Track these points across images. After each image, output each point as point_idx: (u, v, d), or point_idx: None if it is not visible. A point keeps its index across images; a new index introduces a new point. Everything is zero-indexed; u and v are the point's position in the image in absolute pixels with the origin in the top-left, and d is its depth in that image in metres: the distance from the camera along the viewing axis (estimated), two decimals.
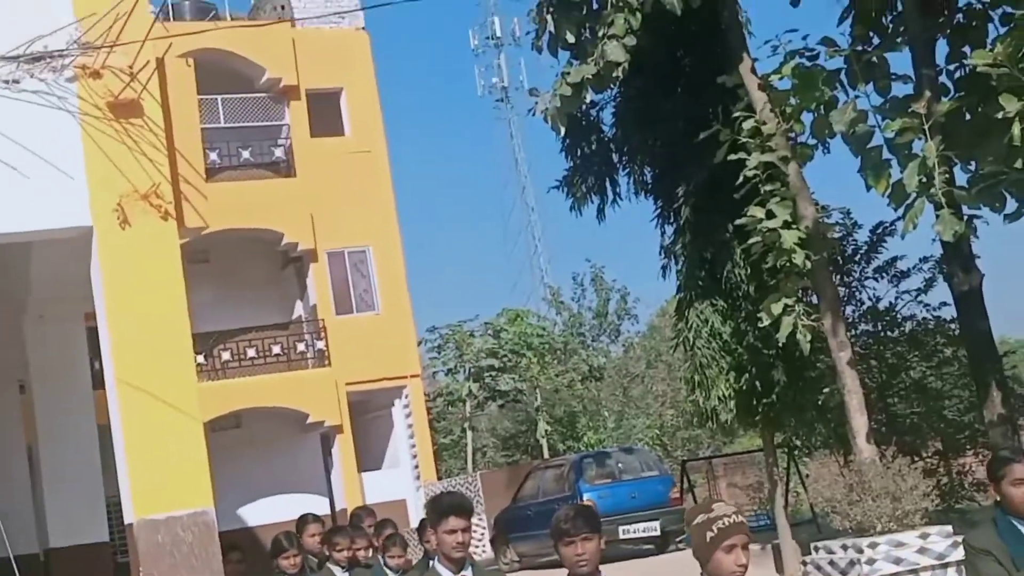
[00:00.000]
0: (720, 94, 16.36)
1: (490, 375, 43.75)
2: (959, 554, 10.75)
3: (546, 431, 42.91)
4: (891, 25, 15.43)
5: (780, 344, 15.60)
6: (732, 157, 15.00)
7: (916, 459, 18.37)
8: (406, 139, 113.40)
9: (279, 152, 31.53)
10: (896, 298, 23.01)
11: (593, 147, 18.93)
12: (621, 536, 22.02)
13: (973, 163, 13.45)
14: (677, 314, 18.96)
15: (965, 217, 13.27)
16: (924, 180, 12.45)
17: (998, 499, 5.51)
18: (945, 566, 10.76)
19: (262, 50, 30.35)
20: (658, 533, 22.34)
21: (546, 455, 40.34)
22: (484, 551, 26.83)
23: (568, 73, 14.95)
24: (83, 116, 10.59)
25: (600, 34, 14.75)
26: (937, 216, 12.49)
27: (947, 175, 12.65)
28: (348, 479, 30.30)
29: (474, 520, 27.25)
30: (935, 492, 19.57)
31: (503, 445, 48.98)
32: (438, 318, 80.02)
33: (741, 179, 14.84)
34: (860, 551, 10.95)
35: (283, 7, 31.88)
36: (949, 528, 11.03)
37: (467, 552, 6.04)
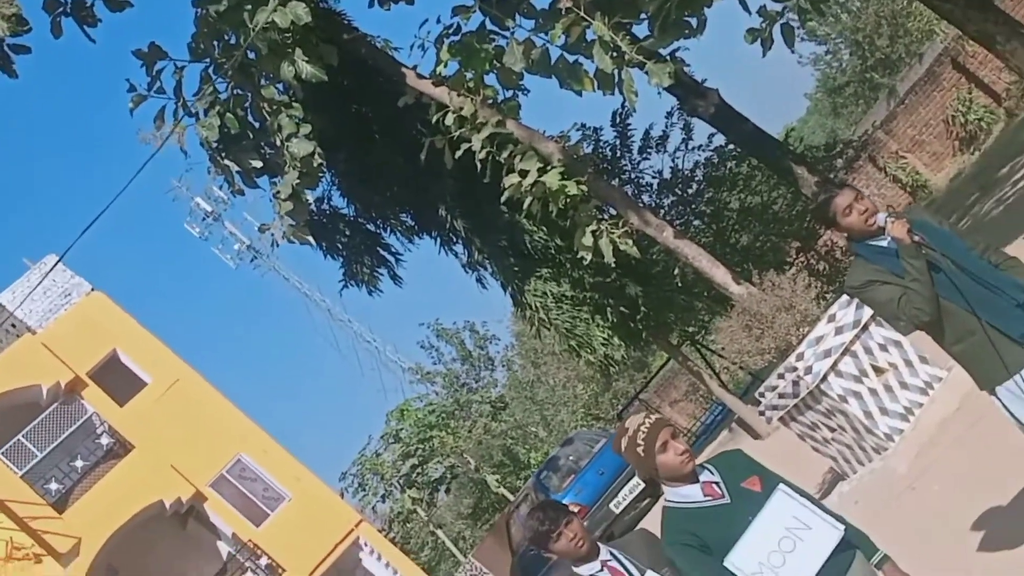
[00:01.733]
0: (412, 114, 16.60)
1: (419, 473, 43.57)
2: (868, 310, 11.15)
3: (497, 480, 42.89)
4: None
5: (614, 265, 15.87)
6: (459, 154, 15.21)
7: (784, 268, 18.97)
8: (205, 342, 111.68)
9: (105, 440, 30.81)
10: (673, 160, 23.59)
11: (347, 233, 19.05)
12: (618, 511, 22.07)
13: (643, 13, 13.85)
14: (517, 307, 19.18)
15: (668, 57, 13.67)
16: (615, 55, 12.80)
17: (847, 236, 5.76)
18: (865, 326, 11.11)
19: (25, 372, 29.68)
20: (643, 484, 22.40)
21: (512, 499, 40.32)
22: None
23: (278, 191, 15.00)
24: None
25: (278, 142, 14.82)
26: (646, 73, 12.85)
27: (628, 37, 13.03)
28: None
29: None
30: (820, 281, 20.25)
31: (474, 520, 48.79)
32: (342, 464, 79.07)
33: (479, 165, 15.06)
34: (794, 369, 11.23)
35: (13, 325, 31.23)
36: (844, 297, 11.36)
37: None
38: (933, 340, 5.79)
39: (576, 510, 5.92)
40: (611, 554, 5.24)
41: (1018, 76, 17.20)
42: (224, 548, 31.59)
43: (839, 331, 11.13)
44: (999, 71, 26.85)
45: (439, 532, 45.26)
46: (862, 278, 5.67)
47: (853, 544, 4.59)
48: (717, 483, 4.64)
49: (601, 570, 5.18)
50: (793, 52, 13.22)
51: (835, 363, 10.95)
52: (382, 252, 19.56)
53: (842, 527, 4.52)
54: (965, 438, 9.77)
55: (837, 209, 5.62)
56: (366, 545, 31.94)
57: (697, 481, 4.63)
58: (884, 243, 5.59)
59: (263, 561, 29.98)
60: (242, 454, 31.15)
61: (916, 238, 5.44)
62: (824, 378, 10.93)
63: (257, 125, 15.55)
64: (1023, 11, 24.73)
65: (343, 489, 41.52)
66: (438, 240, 19.38)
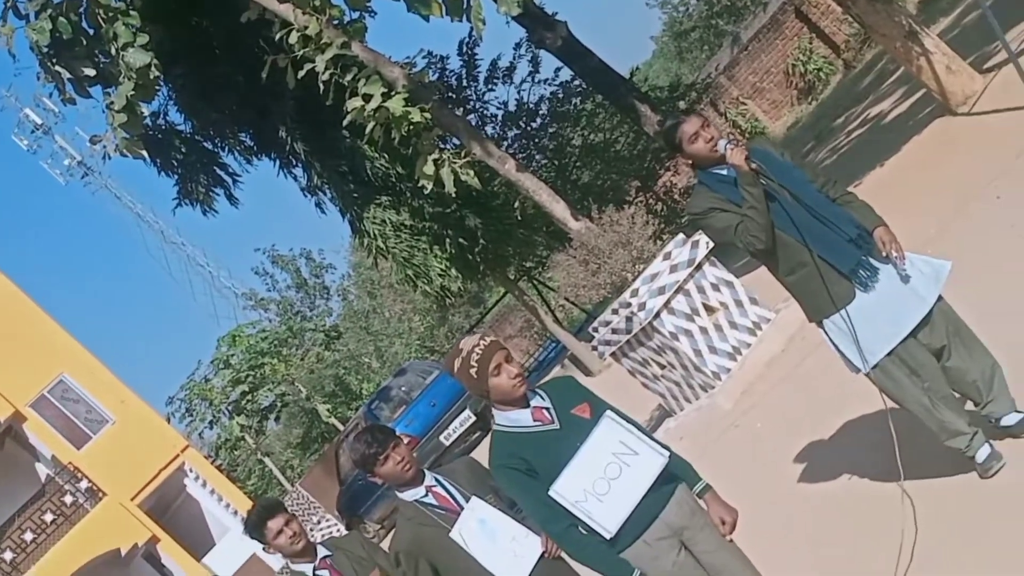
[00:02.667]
0: (254, 30, 16.10)
1: (248, 400, 43.09)
2: (703, 249, 11.28)
3: (328, 410, 42.69)
4: None
5: (454, 195, 15.73)
6: (302, 74, 14.84)
7: (624, 206, 19.10)
8: (31, 260, 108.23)
9: None
10: (519, 92, 23.55)
11: (183, 150, 18.54)
12: (448, 443, 22.13)
13: None
14: (356, 234, 18.97)
15: None
16: None
17: (690, 163, 5.77)
18: (699, 266, 11.24)
19: None
20: (475, 417, 22.54)
21: (342, 429, 40.18)
22: None
23: (112, 102, 14.47)
24: None
25: (113, 51, 14.28)
26: (495, 1, 12.70)
27: None
28: (196, 574, 29.63)
29: (323, 519, 26.97)
30: (658, 220, 20.47)
31: (303, 449, 48.55)
32: (171, 389, 77.70)
33: (322, 87, 14.72)
34: (628, 305, 11.32)
35: None
36: (681, 236, 11.47)
37: (306, 539, 6.11)
38: (768, 270, 5.85)
39: (406, 440, 5.90)
40: (436, 480, 5.23)
41: (858, 26, 17.53)
42: (43, 470, 30.83)
43: (674, 269, 11.24)
44: (839, 22, 27.42)
45: (267, 460, 44.90)
46: (703, 205, 5.69)
47: (676, 474, 4.63)
48: (548, 409, 4.62)
49: (426, 495, 5.16)
50: None
51: (668, 300, 11.07)
52: (219, 171, 19.11)
53: (667, 453, 4.54)
54: (789, 378, 9.99)
55: (683, 136, 5.62)
56: (191, 471, 31.55)
57: (528, 406, 4.61)
58: (724, 171, 5.62)
59: (83, 484, 29.32)
60: (65, 374, 30.34)
61: (753, 166, 5.47)
62: (657, 315, 11.04)
63: (91, 32, 14.90)
64: None
65: (170, 414, 40.92)
66: (277, 162, 19.02)
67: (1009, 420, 5.72)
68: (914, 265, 5.57)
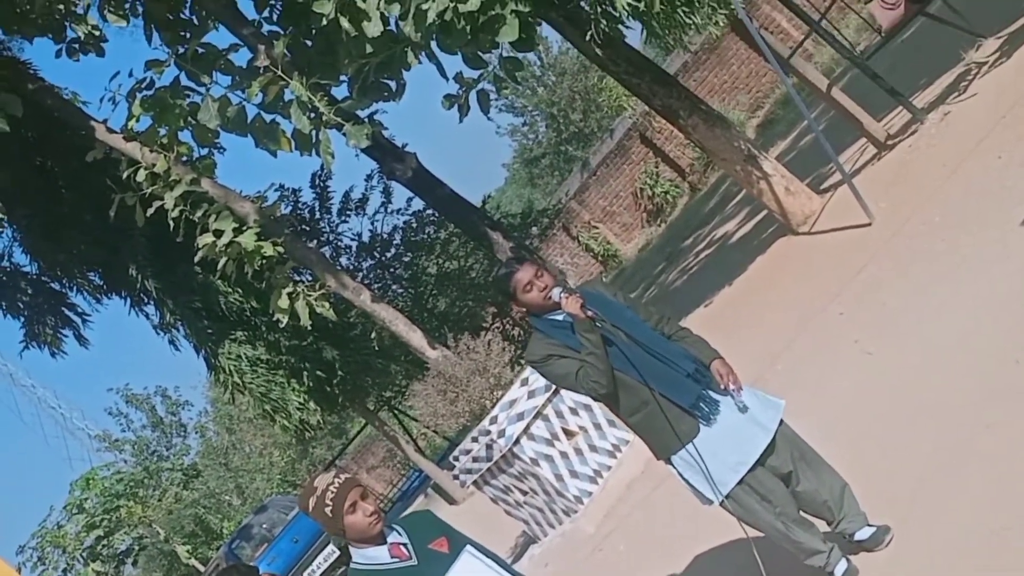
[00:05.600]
0: (101, 168, 15.95)
1: (103, 545, 41.71)
2: None
3: (188, 551, 41.54)
4: (192, 15, 15.44)
5: (310, 328, 15.64)
6: (151, 211, 14.70)
7: (481, 333, 19.19)
8: None
9: None
10: (372, 223, 23.64)
11: (29, 291, 18.15)
12: None
13: (342, 75, 13.80)
14: (212, 370, 18.70)
15: (366, 120, 13.65)
16: (312, 116, 12.71)
17: (525, 311, 5.78)
18: (557, 391, 11.29)
19: None
20: (339, 552, 22.15)
21: (202, 570, 39.05)
22: None
23: None
24: None
25: None
26: (344, 135, 12.80)
27: (326, 98, 12.95)
28: None
29: None
30: (515, 345, 20.58)
31: None
32: (21, 538, 74.66)
33: (172, 224, 14.58)
34: (487, 432, 11.30)
35: None
36: None
37: None
38: (611, 412, 5.90)
39: None
40: None
41: (700, 150, 18.06)
42: None
43: (532, 395, 11.28)
44: (683, 147, 28.17)
45: None
46: (541, 352, 5.69)
47: None
48: (405, 544, 4.58)
49: None
50: (489, 118, 13.50)
51: (527, 426, 11.09)
52: (67, 312, 18.73)
53: None
54: (650, 499, 10.03)
55: (518, 285, 5.63)
56: None
57: (385, 542, 4.56)
58: (560, 317, 5.65)
59: None
60: None
61: (589, 313, 5.52)
62: (517, 441, 11.04)
63: None
64: (703, 91, 26.13)
65: (20, 564, 39.30)
66: (128, 300, 18.71)
67: (862, 535, 5.83)
68: (752, 395, 5.69)
